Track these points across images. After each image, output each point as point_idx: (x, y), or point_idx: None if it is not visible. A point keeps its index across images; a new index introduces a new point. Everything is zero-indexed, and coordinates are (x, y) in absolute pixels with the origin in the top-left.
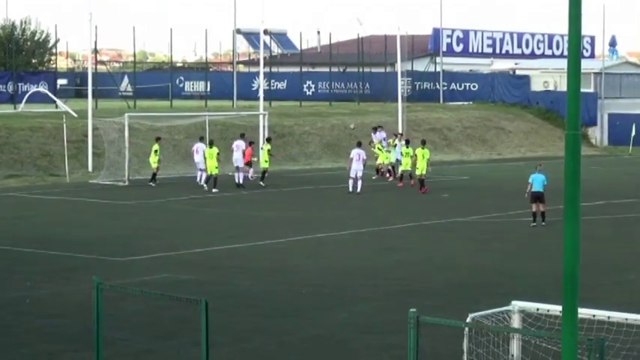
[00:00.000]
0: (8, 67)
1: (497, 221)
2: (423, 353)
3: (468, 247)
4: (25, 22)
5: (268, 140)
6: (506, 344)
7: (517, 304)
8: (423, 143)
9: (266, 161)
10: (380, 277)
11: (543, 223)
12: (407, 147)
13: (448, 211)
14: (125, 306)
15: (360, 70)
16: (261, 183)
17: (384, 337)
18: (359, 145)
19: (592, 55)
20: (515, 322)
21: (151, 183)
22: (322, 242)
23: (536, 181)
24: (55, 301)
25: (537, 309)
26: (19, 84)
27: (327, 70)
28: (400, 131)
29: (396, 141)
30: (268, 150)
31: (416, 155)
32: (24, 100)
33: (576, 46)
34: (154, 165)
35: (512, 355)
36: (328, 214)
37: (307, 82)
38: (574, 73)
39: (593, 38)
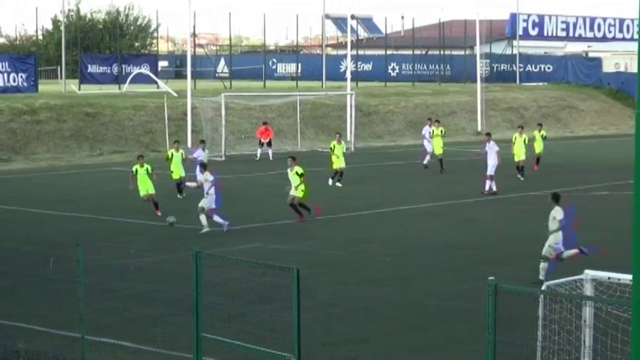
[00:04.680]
0: (113, 51)
1: (571, 196)
2: (500, 319)
3: (541, 219)
4: (129, 8)
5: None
6: (579, 311)
7: (589, 273)
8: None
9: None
10: (458, 248)
11: None
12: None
13: (523, 185)
14: (221, 273)
15: (441, 52)
16: None
17: (464, 303)
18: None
19: None
20: (588, 290)
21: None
22: (404, 214)
23: None
24: (156, 268)
25: (609, 278)
26: (123, 66)
27: (410, 52)
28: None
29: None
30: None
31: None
32: (128, 81)
33: None
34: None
35: (585, 321)
36: (410, 188)
37: (392, 64)
38: None
39: None
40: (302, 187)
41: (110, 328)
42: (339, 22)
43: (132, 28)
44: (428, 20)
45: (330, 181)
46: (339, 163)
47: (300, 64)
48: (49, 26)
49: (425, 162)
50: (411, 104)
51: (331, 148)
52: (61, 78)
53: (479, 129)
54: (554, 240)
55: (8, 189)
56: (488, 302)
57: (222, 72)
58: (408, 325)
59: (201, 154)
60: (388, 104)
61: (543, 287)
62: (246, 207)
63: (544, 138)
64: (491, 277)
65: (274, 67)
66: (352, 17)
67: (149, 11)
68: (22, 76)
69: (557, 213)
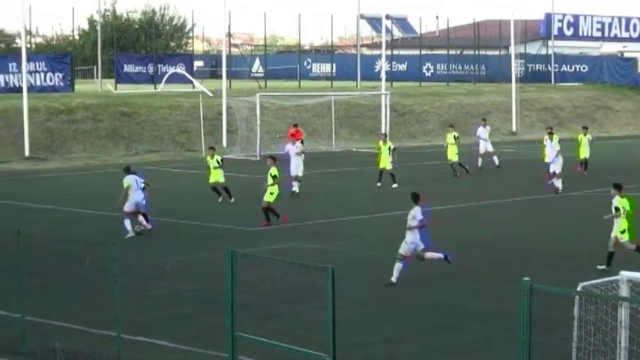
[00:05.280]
0: (149, 50)
1: (605, 195)
2: (534, 319)
3: (577, 219)
4: (164, 8)
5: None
6: (615, 312)
7: (625, 274)
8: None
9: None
10: (494, 248)
11: None
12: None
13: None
14: (256, 272)
15: (476, 52)
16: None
17: (497, 304)
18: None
19: None
20: (624, 291)
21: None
22: (440, 215)
23: None
24: (191, 267)
25: None
26: (159, 65)
27: (445, 52)
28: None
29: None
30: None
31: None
32: (163, 81)
33: None
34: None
35: (620, 322)
36: (445, 188)
37: (426, 64)
38: None
39: None
40: (272, 189)
41: (146, 326)
42: (374, 22)
43: (167, 27)
44: (462, 20)
45: (379, 184)
46: (384, 163)
47: (334, 64)
48: (85, 26)
49: (479, 165)
50: (445, 104)
51: (377, 149)
52: (97, 78)
53: (513, 129)
54: (411, 239)
55: (44, 188)
56: (522, 302)
57: (257, 72)
58: (443, 325)
59: (291, 149)
60: (423, 104)
61: (579, 288)
62: (281, 206)
63: (590, 142)
64: (526, 278)
65: (309, 67)
66: (387, 17)
67: (184, 11)
68: (58, 76)
69: (416, 212)
